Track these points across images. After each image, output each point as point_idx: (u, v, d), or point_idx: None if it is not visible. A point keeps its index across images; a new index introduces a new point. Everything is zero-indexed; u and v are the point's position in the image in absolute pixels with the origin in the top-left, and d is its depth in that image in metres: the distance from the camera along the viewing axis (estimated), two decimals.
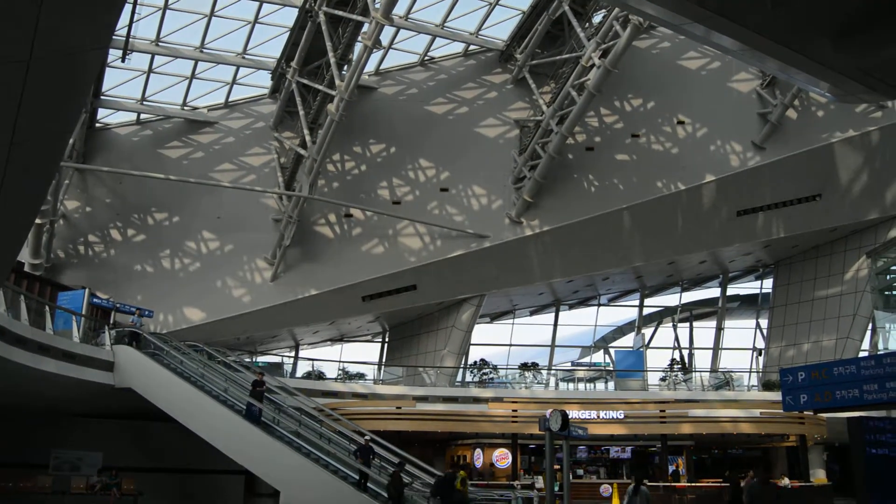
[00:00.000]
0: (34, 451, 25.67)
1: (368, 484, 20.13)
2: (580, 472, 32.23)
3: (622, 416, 29.58)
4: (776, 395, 28.99)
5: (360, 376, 34.85)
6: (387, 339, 40.50)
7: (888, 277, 33.69)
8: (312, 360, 35.58)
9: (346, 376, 34.23)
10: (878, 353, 27.90)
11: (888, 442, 8.78)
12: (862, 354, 35.35)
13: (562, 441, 19.65)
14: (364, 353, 44.74)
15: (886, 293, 33.70)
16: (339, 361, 36.30)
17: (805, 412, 28.13)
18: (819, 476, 33.38)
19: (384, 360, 39.45)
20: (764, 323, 41.13)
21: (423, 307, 34.26)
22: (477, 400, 31.77)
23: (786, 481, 28.58)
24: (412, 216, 31.41)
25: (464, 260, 31.57)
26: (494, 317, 42.09)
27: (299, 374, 35.05)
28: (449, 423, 29.90)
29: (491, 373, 35.12)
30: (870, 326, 36.19)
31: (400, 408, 29.76)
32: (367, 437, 20.87)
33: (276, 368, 34.66)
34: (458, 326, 34.22)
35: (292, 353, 41.15)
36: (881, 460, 8.71)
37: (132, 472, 25.82)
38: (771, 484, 17.66)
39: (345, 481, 20.30)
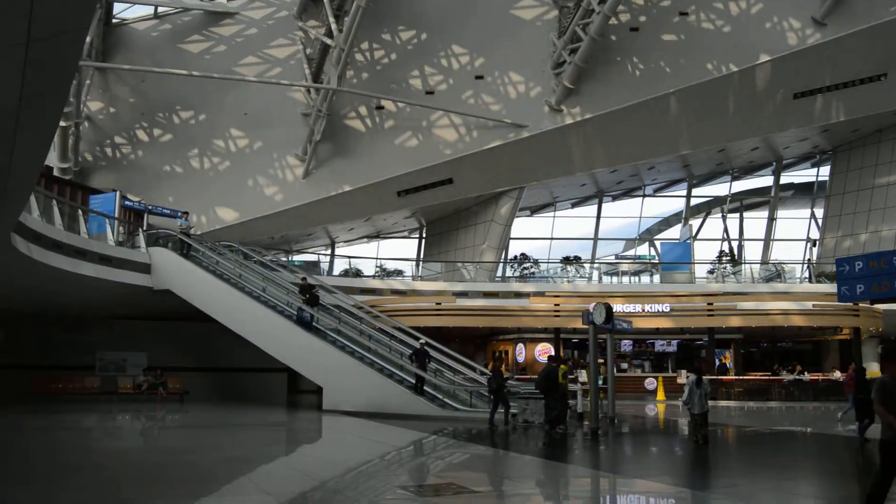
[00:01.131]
0: (81, 354, 26.84)
1: (425, 388, 20.72)
2: (624, 365, 32.79)
3: (668, 310, 29.77)
4: (829, 287, 28.77)
5: (399, 273, 35.39)
6: (424, 235, 40.80)
7: None
8: (349, 257, 36.16)
9: (384, 273, 34.77)
10: None
11: None
12: None
13: (606, 334, 19.92)
14: (401, 250, 45.20)
15: None
16: (377, 258, 36.83)
17: (860, 303, 27.93)
18: (874, 369, 33.42)
19: (422, 256, 39.88)
20: (819, 212, 40.36)
21: (460, 201, 34.31)
22: (518, 295, 32.13)
23: (837, 374, 28.72)
24: (446, 106, 30.91)
25: (502, 151, 31.20)
26: (535, 210, 41.98)
27: (336, 271, 35.69)
28: (490, 319, 30.41)
29: (532, 267, 35.36)
30: None
31: (440, 304, 30.29)
32: (421, 341, 21.35)
33: (313, 267, 35.31)
34: (497, 220, 34.25)
35: (328, 251, 41.78)
36: None
37: (177, 372, 26.93)
38: None
39: (398, 383, 20.92)
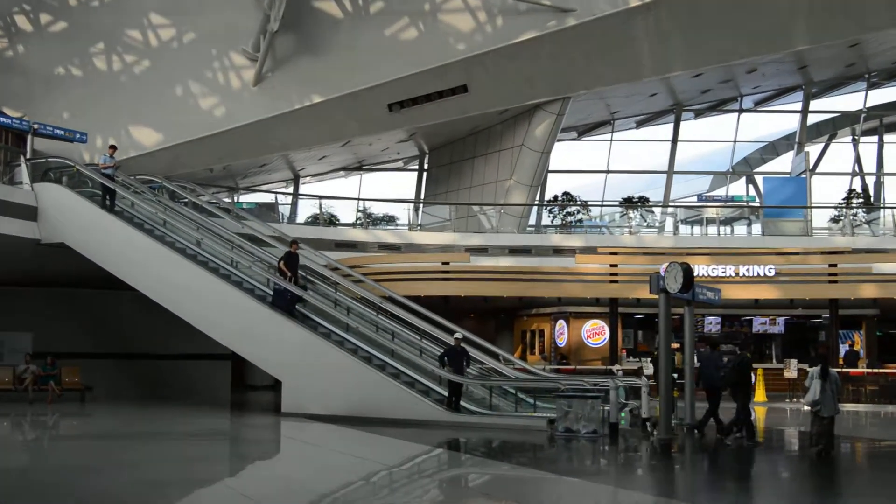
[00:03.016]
0: None
1: (462, 402, 20.65)
2: None
3: (773, 273, 29.67)
4: None
5: (390, 220, 35.30)
6: (426, 168, 40.59)
7: None
8: (320, 197, 35.98)
9: (370, 221, 34.70)
10: None
11: None
12: None
13: (684, 308, 19.80)
14: (394, 188, 45.08)
15: None
16: (359, 199, 36.72)
17: None
18: None
19: (423, 196, 39.69)
20: None
21: (477, 119, 34.00)
22: (559, 251, 31.99)
23: None
24: None
25: (538, 46, 30.77)
26: (584, 131, 41.70)
27: (301, 218, 35.64)
28: (518, 285, 30.35)
29: (579, 212, 35.18)
30: None
31: (447, 263, 30.20)
32: (458, 336, 21.38)
33: (268, 211, 35.19)
34: (531, 145, 33.96)
35: (290, 189, 41.66)
36: None
37: (75, 360, 26.99)
38: None
39: (391, 376, 20.98)
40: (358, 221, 34.51)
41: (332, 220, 34.25)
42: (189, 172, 31.26)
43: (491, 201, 34.91)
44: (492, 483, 13.49)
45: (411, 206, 36.98)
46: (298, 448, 17.88)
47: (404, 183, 42.78)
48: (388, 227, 34.64)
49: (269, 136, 31.89)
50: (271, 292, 22.58)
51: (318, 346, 21.39)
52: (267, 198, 38.93)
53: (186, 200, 25.97)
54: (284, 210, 36.86)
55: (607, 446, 17.36)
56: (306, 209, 36.70)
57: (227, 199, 33.22)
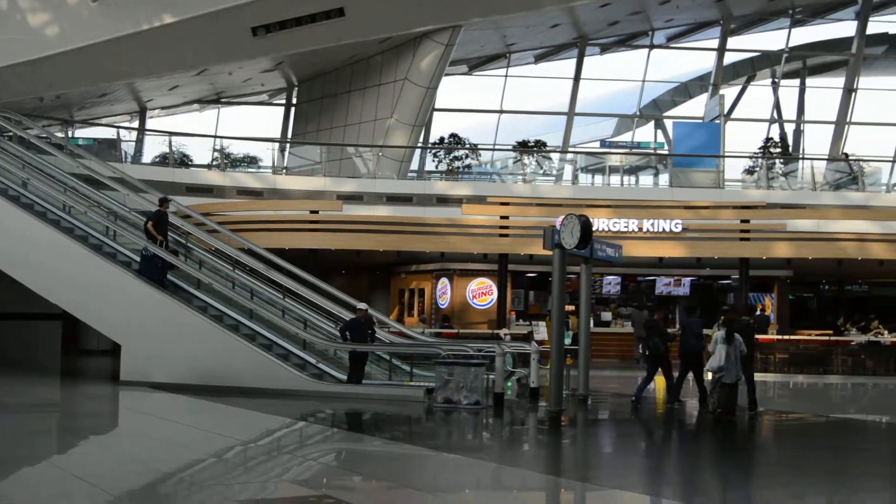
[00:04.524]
0: None
1: (328, 369, 20.91)
2: (607, 315, 33.48)
3: (679, 229, 30.22)
4: None
5: (251, 161, 35.05)
6: (295, 102, 40.23)
7: None
8: (170, 133, 35.40)
9: (228, 162, 34.37)
10: None
11: None
12: None
13: (580, 266, 20.22)
14: (257, 125, 44.73)
15: None
16: (216, 137, 36.31)
17: None
18: None
19: (290, 135, 39.41)
20: None
21: (355, 47, 33.88)
22: (443, 200, 32.21)
23: None
24: None
25: None
26: (476, 65, 41.79)
27: (147, 157, 35.05)
28: (396, 238, 30.38)
29: (468, 157, 35.39)
30: None
31: (316, 212, 30.13)
32: (362, 307, 21.38)
33: (109, 149, 34.49)
34: (415, 80, 34.00)
35: (135, 124, 40.85)
36: None
37: None
38: None
39: (249, 339, 20.97)
40: (214, 162, 34.14)
41: (183, 161, 33.81)
42: (15, 101, 30.47)
43: (368, 142, 34.81)
44: (361, 460, 13.67)
45: (276, 145, 36.78)
46: (139, 421, 17.75)
47: (269, 119, 42.52)
48: (250, 170, 34.36)
49: (111, 61, 31.21)
50: (112, 243, 22.26)
51: (163, 303, 21.19)
52: (108, 133, 38.12)
53: (11, 134, 25.34)
54: (128, 148, 36.14)
55: (491, 419, 17.73)
56: (154, 147, 36.10)
57: (59, 134, 32.51)
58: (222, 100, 41.47)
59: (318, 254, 29.55)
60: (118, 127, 39.07)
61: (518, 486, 11.99)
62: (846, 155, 37.90)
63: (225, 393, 19.46)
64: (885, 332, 31.20)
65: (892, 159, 39.13)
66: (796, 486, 11.94)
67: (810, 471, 13.28)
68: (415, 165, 37.08)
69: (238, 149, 35.16)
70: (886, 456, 15.17)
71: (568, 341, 22.77)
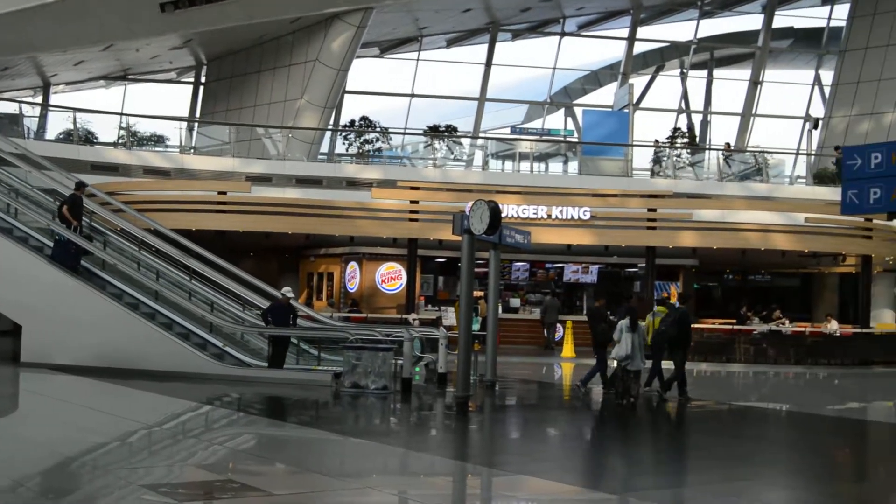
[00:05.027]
0: None
1: (236, 353, 20.87)
2: (516, 302, 33.73)
3: (588, 217, 30.52)
4: (834, 193, 30.42)
5: (158, 140, 34.59)
6: (204, 81, 39.84)
7: None
8: (74, 110, 34.81)
9: (134, 140, 33.90)
10: None
11: None
12: None
13: (489, 252, 20.35)
14: (164, 104, 44.03)
15: None
16: (122, 114, 35.71)
17: (876, 220, 29.73)
18: (884, 320, 36.04)
19: (199, 114, 39.01)
20: (827, 77, 42.30)
21: (266, 26, 33.68)
22: (353, 184, 32.15)
23: (832, 325, 30.78)
24: None
25: None
26: (387, 48, 41.71)
27: (50, 134, 34.43)
28: (305, 220, 30.25)
29: (379, 140, 35.35)
30: None
31: (224, 193, 29.88)
32: (285, 291, 21.30)
33: (11, 124, 33.82)
34: (326, 61, 33.88)
35: (38, 99, 40.09)
36: None
37: None
38: None
39: (152, 319, 20.76)
40: (120, 140, 33.65)
41: (88, 138, 33.25)
42: None
43: (278, 123, 34.61)
44: (267, 444, 13.68)
45: (184, 125, 36.36)
46: (40, 403, 17.48)
47: (177, 98, 41.86)
48: (157, 149, 33.91)
49: (13, 33, 30.56)
50: (14, 221, 21.89)
51: (66, 283, 20.89)
52: (9, 108, 37.33)
53: None
54: (31, 123, 35.44)
55: (399, 404, 17.82)
56: (58, 123, 35.54)
57: None
58: (129, 76, 40.88)
59: (226, 235, 29.31)
60: (20, 102, 38.26)
61: (425, 471, 12.08)
62: (728, 145, 38.63)
63: (130, 376, 19.27)
64: (787, 321, 31.90)
65: (793, 152, 40.01)
66: (699, 472, 12.25)
67: (713, 457, 13.60)
68: (325, 148, 36.95)
69: (145, 127, 34.69)
70: (785, 443, 15.58)
71: (476, 327, 22.99)
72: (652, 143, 37.30)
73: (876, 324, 33.94)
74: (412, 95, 40.55)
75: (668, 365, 19.74)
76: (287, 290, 21.41)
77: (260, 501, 9.29)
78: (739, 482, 11.75)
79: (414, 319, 27.93)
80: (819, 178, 35.66)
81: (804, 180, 36.89)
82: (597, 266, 34.54)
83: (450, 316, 27.96)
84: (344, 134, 36.17)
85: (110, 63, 37.88)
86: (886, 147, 10.83)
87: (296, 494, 9.99)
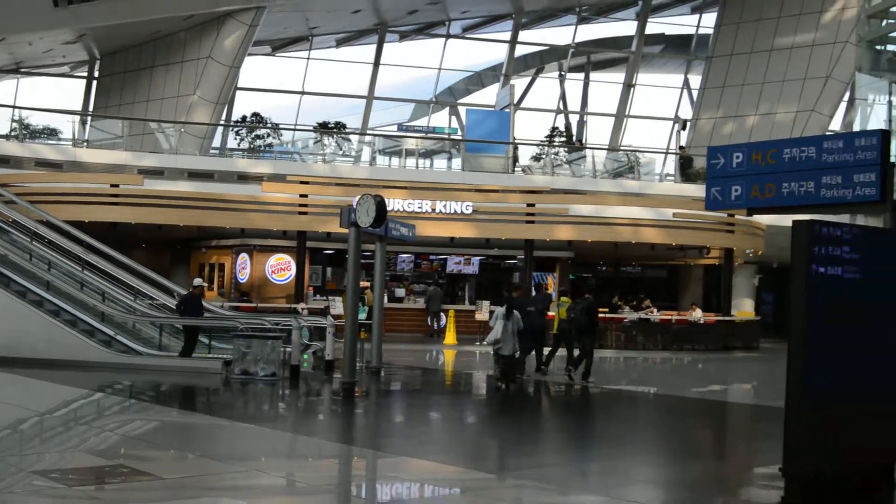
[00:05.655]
0: None
1: (127, 341, 20.44)
2: (401, 292, 33.82)
3: (470, 211, 30.75)
4: (700, 189, 31.11)
5: (51, 133, 33.88)
6: (97, 75, 39.12)
7: (883, 24, 35.85)
8: None
9: (27, 132, 33.14)
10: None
11: (844, 258, 9.61)
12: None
13: (376, 244, 20.38)
14: (57, 97, 43.06)
15: (878, 47, 36.07)
16: (14, 107, 34.91)
17: (738, 216, 30.56)
18: (744, 308, 37.09)
19: (92, 108, 38.28)
20: (695, 81, 43.25)
21: (159, 23, 33.16)
22: (244, 178, 31.87)
23: (697, 314, 31.54)
24: None
25: None
26: (279, 46, 41.42)
27: None
28: (197, 213, 29.91)
29: (269, 136, 35.10)
30: (846, 96, 39.06)
31: (117, 186, 29.36)
32: (197, 283, 21.11)
33: None
34: (218, 58, 33.52)
35: None
36: (831, 282, 9.55)
37: None
38: None
39: (39, 307, 20.27)
40: (12, 133, 32.82)
41: None
42: None
43: (171, 118, 34.13)
44: (158, 430, 13.53)
45: (77, 118, 35.63)
46: None
47: (70, 91, 40.93)
48: (49, 142, 33.20)
49: None
50: None
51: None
52: None
53: None
54: None
55: (287, 390, 17.74)
56: None
57: None
58: (22, 69, 39.84)
59: (118, 227, 28.80)
60: None
61: (312, 454, 12.07)
62: (580, 141, 39.36)
63: (17, 364, 18.80)
64: (655, 310, 32.59)
65: (663, 151, 40.82)
66: (571, 451, 12.46)
67: (585, 436, 13.87)
68: (217, 143, 36.60)
69: (38, 120, 33.96)
70: (652, 424, 15.92)
71: (363, 316, 23.03)
72: (532, 142, 37.70)
73: (736, 312, 34.95)
74: (303, 93, 40.33)
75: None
76: (198, 282, 21.29)
77: (149, 485, 9.18)
78: (609, 460, 12.00)
79: (303, 309, 27.85)
80: (687, 175, 36.44)
81: (673, 178, 37.64)
82: (478, 258, 34.81)
83: (337, 305, 27.84)
84: (236, 129, 35.82)
85: (2, 56, 36.93)
86: (747, 147, 11.10)
87: (185, 478, 9.90)
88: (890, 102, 34.92)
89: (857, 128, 34.48)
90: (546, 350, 21.49)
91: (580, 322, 20.04)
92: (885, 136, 10.09)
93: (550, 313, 22.47)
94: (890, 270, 10.33)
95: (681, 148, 38.05)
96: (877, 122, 34.56)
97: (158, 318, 21.09)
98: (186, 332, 20.28)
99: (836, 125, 39.70)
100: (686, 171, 36.52)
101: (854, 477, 9.92)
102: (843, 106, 39.75)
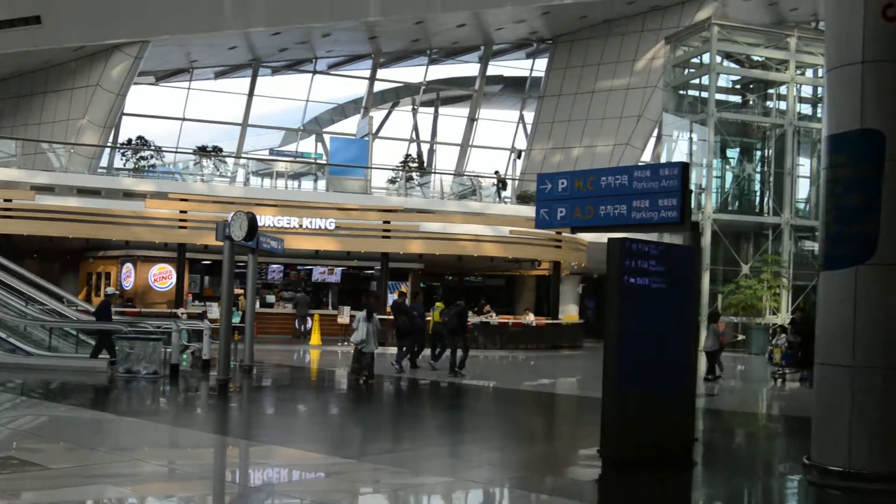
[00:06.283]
0: None
1: (19, 343, 19.72)
2: (272, 298, 33.56)
3: (333, 227, 30.79)
4: (532, 211, 31.77)
5: None
6: None
7: (685, 72, 37.47)
8: None
9: None
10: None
11: (650, 270, 10.10)
12: None
13: (248, 255, 20.22)
14: None
15: (681, 92, 37.63)
16: None
17: (564, 233, 31.35)
18: (570, 312, 37.97)
19: None
20: (529, 117, 44.17)
21: (50, 53, 32.26)
22: (129, 195, 31.20)
23: (530, 318, 32.12)
24: None
25: None
26: (162, 76, 40.68)
27: None
28: (86, 227, 29.19)
29: (153, 157, 34.42)
30: (655, 132, 40.51)
31: (11, 200, 28.39)
32: (108, 291, 20.83)
33: None
34: (106, 86, 32.76)
35: None
36: (639, 291, 10.04)
37: None
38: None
39: None
40: None
41: None
42: None
43: (62, 139, 33.17)
44: (47, 425, 13.16)
45: None
46: None
47: None
48: None
49: None
50: None
51: None
52: None
53: None
54: None
55: (167, 387, 17.42)
56: None
57: None
58: None
59: (11, 239, 27.86)
60: None
61: (191, 444, 11.87)
62: (497, 173, 39.85)
63: None
64: (494, 314, 33.02)
65: (503, 177, 41.48)
66: (420, 438, 12.57)
67: (433, 425, 14.01)
68: (104, 162, 35.71)
69: None
70: (491, 413, 16.17)
71: (237, 319, 22.80)
72: (388, 167, 37.91)
73: (563, 316, 35.72)
74: (183, 119, 39.65)
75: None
76: (110, 290, 20.89)
77: (38, 475, 8.93)
78: (455, 445, 12.19)
79: (182, 313, 27.38)
80: (521, 198, 37.19)
81: (510, 200, 38.30)
82: (340, 268, 34.80)
83: (214, 310, 27.48)
84: (122, 151, 35.00)
85: None
86: (570, 175, 11.47)
87: (72, 468, 9.64)
88: (690, 139, 36.48)
89: (663, 160, 35.84)
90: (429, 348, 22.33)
91: (452, 324, 21.04)
92: (685, 167, 10.57)
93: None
94: (687, 280, 10.85)
95: (496, 173, 38.87)
96: (680, 155, 36.07)
97: (49, 323, 20.45)
98: (101, 335, 19.64)
99: (647, 157, 41.08)
100: (500, 192, 37.42)
101: (660, 456, 10.31)
102: (652, 140, 41.13)
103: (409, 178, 37.11)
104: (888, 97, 9.45)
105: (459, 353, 20.92)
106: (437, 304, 23.16)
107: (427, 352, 22.32)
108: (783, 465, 11.57)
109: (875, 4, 9.47)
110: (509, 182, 39.81)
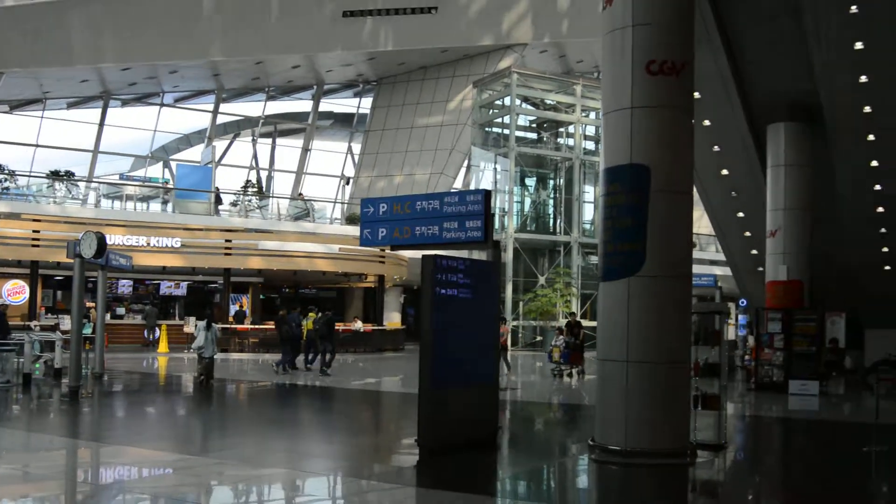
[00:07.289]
0: None
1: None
2: (121, 310, 32.41)
3: (179, 245, 30.09)
4: (358, 231, 31.93)
5: None
6: None
7: (490, 112, 38.65)
8: None
9: None
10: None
11: (458, 282, 10.41)
12: None
13: (98, 271, 19.49)
14: None
15: (486, 129, 38.74)
16: None
17: (387, 251, 31.62)
18: (393, 319, 38.26)
19: None
20: (357, 148, 44.33)
21: None
22: None
23: (358, 325, 32.16)
24: None
25: None
26: (16, 105, 38.61)
27: None
28: None
29: (6, 180, 32.58)
30: (466, 163, 41.44)
31: None
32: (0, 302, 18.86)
33: None
34: None
35: None
36: (449, 301, 10.33)
37: None
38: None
39: None
40: None
41: None
42: None
43: None
44: None
45: None
46: None
47: None
48: None
49: None
50: None
51: None
52: None
53: None
54: None
55: (21, 395, 16.52)
56: None
57: None
58: None
59: None
60: None
61: (44, 447, 11.36)
62: (301, 195, 39.62)
63: None
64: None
65: (332, 201, 41.48)
66: (257, 434, 12.42)
67: (268, 421, 13.84)
68: None
69: None
70: (322, 410, 16.17)
71: (88, 330, 21.94)
72: (230, 191, 37.21)
73: (387, 323, 35.97)
74: (37, 146, 37.63)
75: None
76: (1, 302, 19.61)
77: None
78: (293, 440, 12.10)
79: (35, 325, 26.01)
80: (349, 219, 37.27)
81: (339, 221, 38.31)
82: (186, 282, 33.91)
83: (66, 322, 26.25)
84: None
85: None
86: (390, 200, 11.68)
87: None
88: (495, 169, 37.57)
89: (472, 187, 36.69)
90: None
91: (322, 332, 22.01)
92: (487, 194, 10.93)
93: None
94: (490, 290, 11.21)
95: (299, 194, 39.00)
96: (486, 183, 37.03)
97: None
98: None
99: (458, 184, 41.88)
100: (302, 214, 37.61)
101: (470, 443, 10.56)
102: (463, 170, 41.99)
103: (249, 202, 36.52)
104: (652, 137, 10.08)
105: (328, 355, 21.80)
106: (311, 314, 23.59)
107: (302, 357, 22.84)
108: (574, 447, 12.04)
109: (641, 60, 10.10)
110: (339, 206, 39.82)
